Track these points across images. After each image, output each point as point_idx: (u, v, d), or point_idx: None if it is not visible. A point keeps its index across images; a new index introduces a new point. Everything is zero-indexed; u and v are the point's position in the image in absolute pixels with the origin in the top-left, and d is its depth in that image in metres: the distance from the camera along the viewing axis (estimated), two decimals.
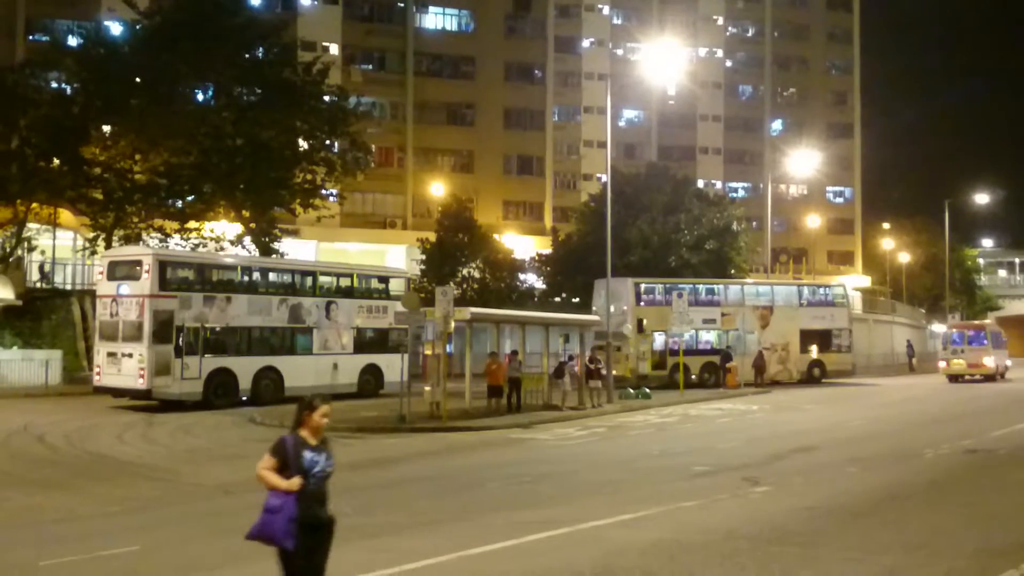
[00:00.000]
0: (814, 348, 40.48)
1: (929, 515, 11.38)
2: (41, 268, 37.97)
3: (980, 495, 12.79)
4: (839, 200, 77.82)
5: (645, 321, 36.50)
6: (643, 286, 38.15)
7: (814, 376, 40.21)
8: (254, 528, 6.46)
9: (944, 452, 17.29)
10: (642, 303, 37.19)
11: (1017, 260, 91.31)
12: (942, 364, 44.31)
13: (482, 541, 9.82)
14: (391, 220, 56.08)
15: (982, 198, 70.72)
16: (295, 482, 6.38)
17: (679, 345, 35.85)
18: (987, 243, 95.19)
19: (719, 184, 69.10)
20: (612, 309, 36.24)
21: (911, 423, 23.64)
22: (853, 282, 74.21)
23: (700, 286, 40.36)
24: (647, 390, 31.27)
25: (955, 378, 43.03)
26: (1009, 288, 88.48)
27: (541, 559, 9.23)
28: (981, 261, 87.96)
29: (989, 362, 42.94)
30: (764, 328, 39.63)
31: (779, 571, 8.79)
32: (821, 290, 44.07)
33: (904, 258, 75.80)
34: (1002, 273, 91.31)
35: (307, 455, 6.51)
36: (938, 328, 74.66)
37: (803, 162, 61.87)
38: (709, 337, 38.37)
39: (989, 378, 42.48)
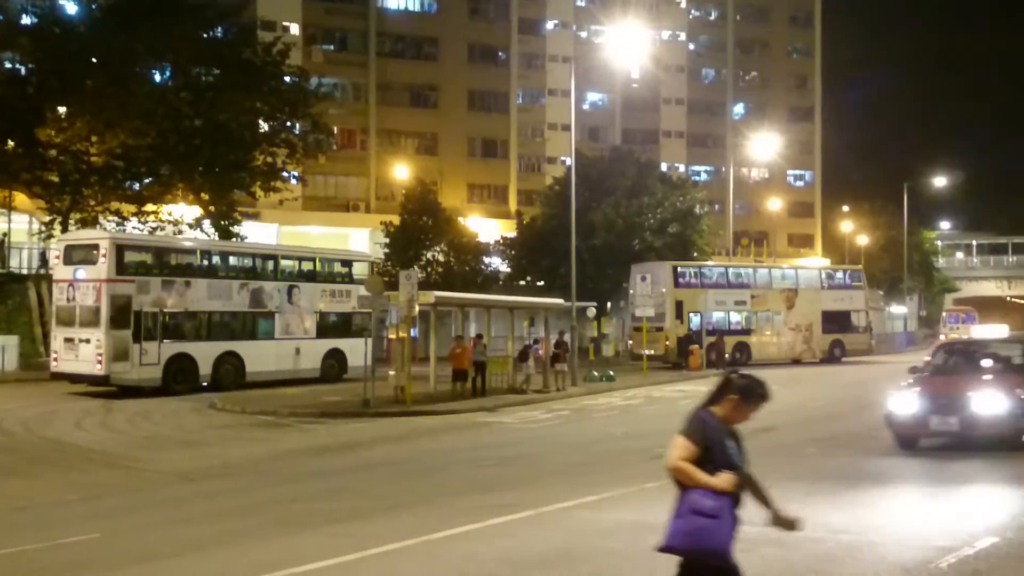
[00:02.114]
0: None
1: (887, 495, 11.54)
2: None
3: (938, 475, 13.00)
4: (799, 183, 78.55)
5: (683, 303, 38.37)
6: (680, 269, 39.96)
7: (835, 355, 42.31)
8: (679, 536, 5.06)
9: None
10: (679, 286, 38.87)
11: (974, 242, 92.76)
12: (941, 337, 53.42)
13: (446, 525, 9.82)
14: (354, 203, 55.69)
15: (940, 181, 71.75)
16: (729, 479, 5.01)
17: (712, 325, 38.59)
18: (945, 225, 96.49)
19: (682, 167, 69.41)
20: (639, 291, 38.21)
21: (872, 404, 23.95)
22: (813, 264, 75.12)
23: (731, 269, 43.18)
24: (611, 372, 31.46)
25: None
26: (967, 270, 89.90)
27: (505, 542, 9.24)
28: (939, 243, 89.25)
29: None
30: (789, 310, 41.65)
31: (740, 549, 8.84)
32: (839, 273, 46.50)
33: (863, 240, 76.70)
34: (959, 255, 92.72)
35: (730, 444, 5.20)
36: (896, 310, 75.77)
37: (764, 146, 62.42)
38: (738, 318, 40.36)
39: None
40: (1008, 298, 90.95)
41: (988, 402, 13.87)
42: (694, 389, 29.05)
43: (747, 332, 39.98)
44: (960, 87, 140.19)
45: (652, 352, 37.62)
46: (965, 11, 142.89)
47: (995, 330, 17.95)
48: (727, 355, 37.59)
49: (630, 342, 40.05)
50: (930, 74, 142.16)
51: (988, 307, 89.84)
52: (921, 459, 14.12)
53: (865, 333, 44.52)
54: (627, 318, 43.46)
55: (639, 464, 14.13)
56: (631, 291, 39.46)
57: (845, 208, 78.35)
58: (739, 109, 76.38)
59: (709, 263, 43.66)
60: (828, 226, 78.90)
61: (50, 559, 8.97)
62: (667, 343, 37.34)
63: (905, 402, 14.54)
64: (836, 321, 42.80)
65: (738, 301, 40.29)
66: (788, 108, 76.25)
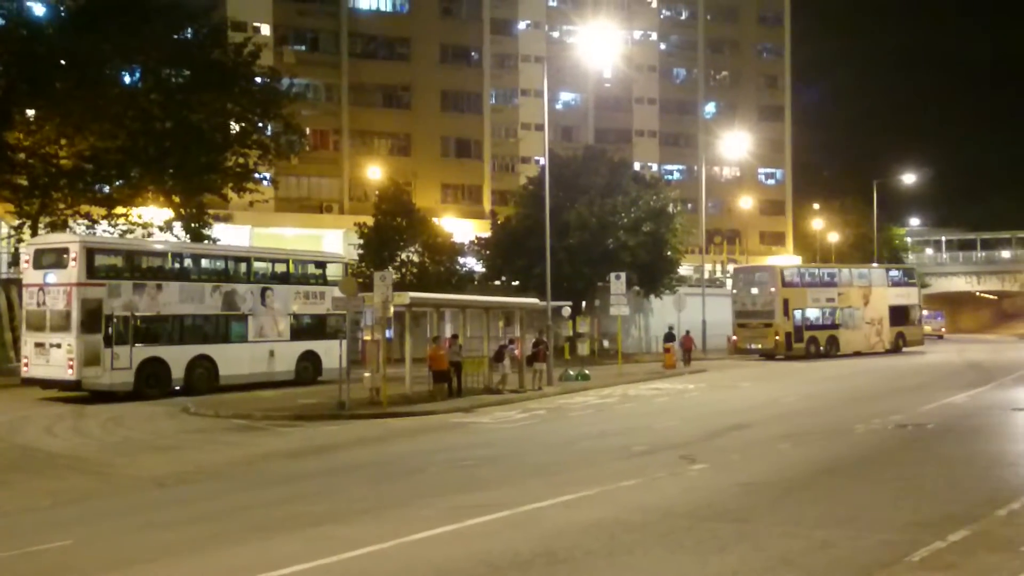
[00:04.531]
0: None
1: (860, 489, 11.67)
2: None
3: (909, 469, 13.15)
4: (771, 182, 79.08)
5: (789, 301, 42.92)
6: (786, 271, 45.42)
7: (898, 346, 47.42)
8: None
9: (875, 427, 17.74)
10: (786, 285, 43.39)
11: (943, 238, 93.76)
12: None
13: (423, 527, 9.82)
14: (327, 204, 55.42)
15: (909, 178, 72.58)
16: None
17: (811, 322, 43.57)
18: (914, 222, 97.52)
19: (655, 166, 69.61)
20: (755, 292, 43.37)
21: (843, 399, 24.22)
22: (784, 262, 75.65)
23: (823, 270, 48.53)
24: (586, 371, 31.54)
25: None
26: (936, 266, 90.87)
27: (482, 543, 9.26)
28: (908, 240, 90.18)
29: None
30: (865, 305, 46.36)
31: (716, 547, 8.93)
32: (897, 272, 51.53)
33: (834, 238, 77.46)
34: (929, 251, 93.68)
35: None
36: None
37: (736, 144, 62.78)
38: (829, 313, 44.87)
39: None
40: (977, 293, 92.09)
41: None
42: (669, 387, 29.22)
43: (835, 326, 44.57)
44: (929, 85, 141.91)
45: (760, 346, 42.69)
46: (932, 11, 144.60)
47: None
48: (821, 347, 43.10)
49: (733, 337, 44.46)
50: (899, 72, 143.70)
51: (958, 303, 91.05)
52: None
53: (920, 326, 50.28)
54: (602, 317, 43.71)
55: (615, 462, 14.20)
56: (733, 291, 43.71)
57: (816, 206, 79.04)
58: (710, 108, 76.76)
59: (810, 265, 48.84)
60: (799, 224, 79.57)
61: (22, 567, 8.87)
62: (777, 338, 41.93)
63: None
64: (899, 315, 47.84)
65: (828, 299, 44.85)
66: (759, 107, 76.75)
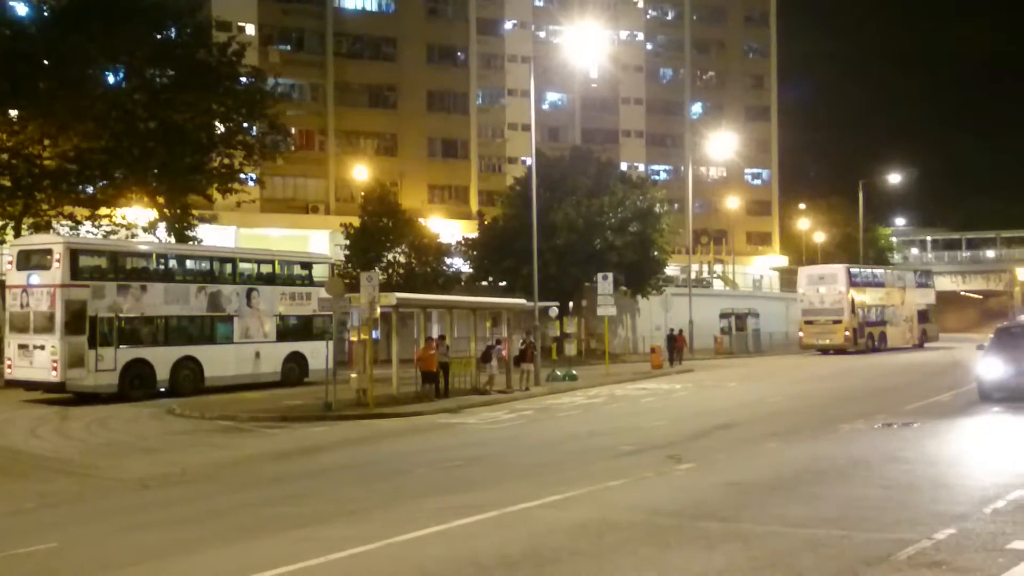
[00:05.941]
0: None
1: (847, 488, 11.69)
2: None
3: (895, 468, 13.18)
4: (757, 182, 79.37)
5: (854, 299, 46.24)
6: (853, 271, 48.32)
7: (922, 342, 51.64)
8: None
9: (859, 427, 17.78)
10: (853, 285, 46.56)
11: (929, 238, 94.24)
12: None
13: (411, 527, 9.79)
14: (313, 205, 55.30)
15: (895, 178, 72.97)
16: None
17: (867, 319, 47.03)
18: (900, 222, 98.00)
19: (642, 167, 69.75)
20: (823, 291, 46.34)
21: (829, 398, 24.30)
22: (771, 262, 75.91)
23: (877, 271, 52.89)
24: (573, 372, 31.54)
25: None
26: (921, 265, 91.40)
27: (470, 543, 9.23)
28: (894, 239, 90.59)
29: None
30: (902, 304, 50.60)
31: (703, 546, 8.93)
32: (918, 274, 55.95)
33: (820, 238, 77.78)
34: (914, 251, 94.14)
35: None
36: None
37: (722, 144, 62.96)
38: (879, 311, 48.53)
39: None
40: (963, 293, 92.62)
41: None
42: (656, 387, 29.26)
43: (883, 323, 48.36)
44: (913, 85, 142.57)
45: (828, 342, 45.63)
46: (919, 12, 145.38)
47: None
48: (876, 342, 46.76)
49: (800, 334, 47.39)
50: (884, 73, 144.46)
51: (943, 302, 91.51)
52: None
53: (936, 323, 55.05)
54: (590, 317, 43.80)
55: (603, 462, 14.20)
56: (800, 291, 47.42)
57: (802, 206, 79.39)
58: (697, 108, 76.97)
59: (865, 267, 52.86)
60: (785, 224, 79.88)
61: (7, 569, 8.80)
62: (847, 333, 45.19)
63: None
64: (923, 313, 52.79)
65: (880, 298, 48.77)
66: (745, 107, 77.02)
